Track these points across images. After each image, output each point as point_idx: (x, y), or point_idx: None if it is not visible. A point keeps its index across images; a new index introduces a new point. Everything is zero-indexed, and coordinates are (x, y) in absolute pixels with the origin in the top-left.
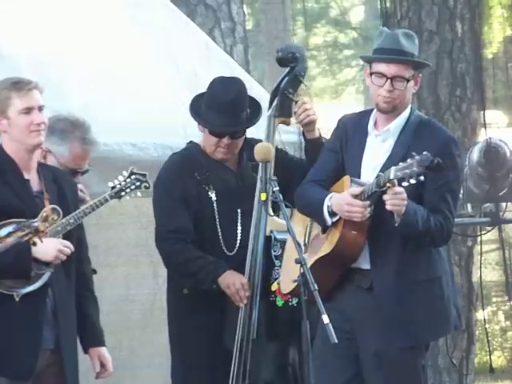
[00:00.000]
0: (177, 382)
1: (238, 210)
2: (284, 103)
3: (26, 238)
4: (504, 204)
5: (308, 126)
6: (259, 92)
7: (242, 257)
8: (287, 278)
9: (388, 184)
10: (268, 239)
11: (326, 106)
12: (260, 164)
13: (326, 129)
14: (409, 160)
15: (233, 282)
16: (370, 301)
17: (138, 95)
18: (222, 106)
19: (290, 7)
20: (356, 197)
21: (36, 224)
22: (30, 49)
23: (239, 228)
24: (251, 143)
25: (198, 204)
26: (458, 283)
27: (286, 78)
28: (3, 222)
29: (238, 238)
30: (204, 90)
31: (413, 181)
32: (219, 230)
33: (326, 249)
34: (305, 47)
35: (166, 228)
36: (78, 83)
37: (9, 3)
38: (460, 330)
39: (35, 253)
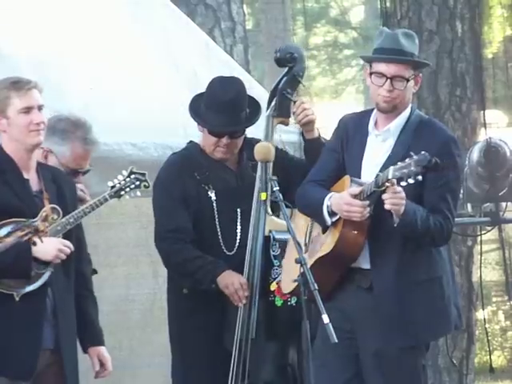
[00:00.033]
0: (177, 381)
1: (238, 210)
2: (282, 103)
3: (26, 238)
4: (504, 204)
5: (307, 125)
6: (259, 92)
7: (242, 256)
8: (288, 277)
9: (387, 184)
10: (267, 239)
11: (326, 106)
12: (259, 163)
13: (325, 128)
14: (407, 160)
15: (231, 281)
16: (370, 301)
17: (138, 95)
18: (221, 105)
19: (289, 7)
20: (355, 196)
21: (36, 223)
22: (30, 49)
23: (239, 228)
24: (251, 143)
25: (198, 204)
26: (458, 283)
27: (285, 79)
28: (3, 221)
29: (238, 237)
30: (204, 89)
31: (411, 180)
32: (219, 230)
33: (326, 248)
34: (305, 47)
35: (165, 228)
36: (78, 83)
37: (9, 3)
38: (460, 329)
39: (35, 252)
